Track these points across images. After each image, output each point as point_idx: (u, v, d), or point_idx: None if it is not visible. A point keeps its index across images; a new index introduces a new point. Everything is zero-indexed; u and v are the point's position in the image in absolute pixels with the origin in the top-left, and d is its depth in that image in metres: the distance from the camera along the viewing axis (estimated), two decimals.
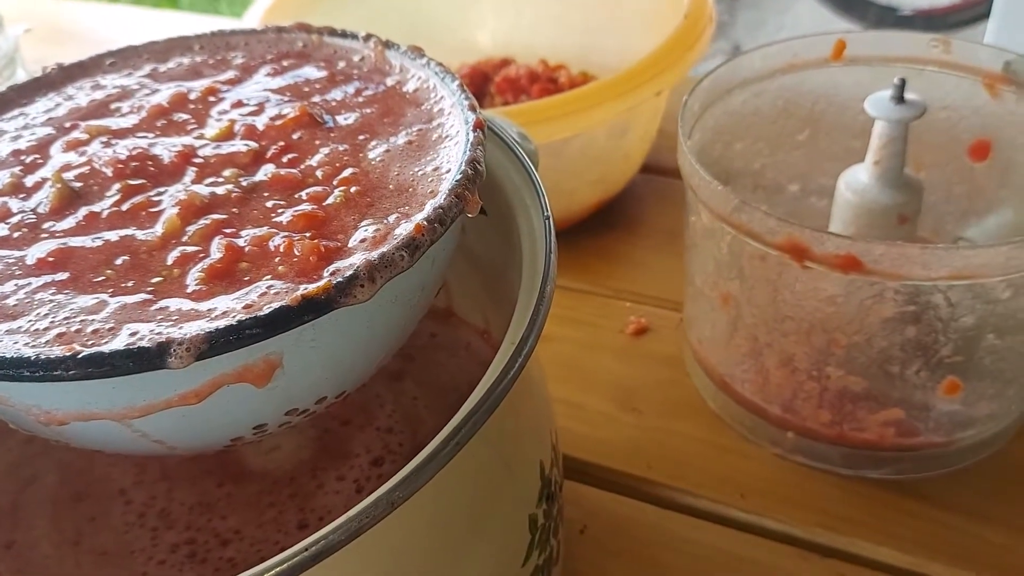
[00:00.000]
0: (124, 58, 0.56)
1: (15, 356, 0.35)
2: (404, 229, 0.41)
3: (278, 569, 0.34)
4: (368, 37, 0.54)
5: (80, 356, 0.35)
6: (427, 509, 0.41)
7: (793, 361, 0.60)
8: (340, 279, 0.38)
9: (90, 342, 0.37)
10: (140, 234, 0.42)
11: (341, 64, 0.55)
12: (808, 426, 0.62)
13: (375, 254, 0.39)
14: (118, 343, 0.36)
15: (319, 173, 0.46)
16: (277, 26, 0.57)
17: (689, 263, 0.68)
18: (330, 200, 0.44)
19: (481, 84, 0.94)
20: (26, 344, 0.37)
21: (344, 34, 0.55)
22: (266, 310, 0.37)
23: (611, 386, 0.73)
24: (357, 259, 0.40)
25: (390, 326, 0.44)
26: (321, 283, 0.37)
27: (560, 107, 0.70)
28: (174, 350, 0.35)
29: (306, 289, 0.38)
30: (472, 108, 0.47)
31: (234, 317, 0.37)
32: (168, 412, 0.38)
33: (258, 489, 0.57)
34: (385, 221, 0.42)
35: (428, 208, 0.42)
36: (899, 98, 0.60)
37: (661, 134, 0.92)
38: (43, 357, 0.35)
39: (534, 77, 0.89)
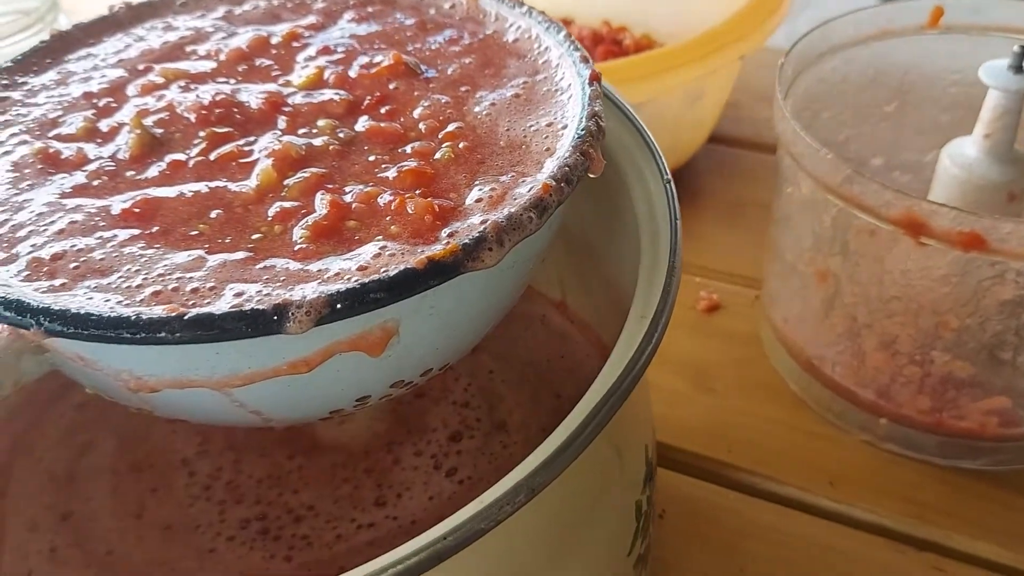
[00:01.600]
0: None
1: (113, 315, 0.32)
2: (526, 188, 0.38)
3: (417, 558, 0.30)
4: None
5: (187, 317, 0.31)
6: (548, 498, 0.37)
7: (895, 344, 0.57)
8: (467, 241, 0.34)
9: (191, 302, 0.33)
10: (233, 186, 0.39)
11: (431, 11, 0.51)
12: (904, 413, 0.59)
13: (502, 215, 0.35)
14: (223, 304, 0.33)
15: (422, 126, 0.42)
16: None
17: (778, 237, 0.64)
18: (437, 156, 0.40)
19: None
20: (119, 302, 0.33)
21: None
22: (389, 272, 0.33)
23: (685, 364, 0.70)
24: (476, 219, 0.36)
25: (503, 294, 0.40)
26: (448, 245, 0.34)
27: (639, 68, 0.66)
28: (292, 313, 0.31)
29: (430, 251, 0.34)
30: (585, 60, 0.43)
31: (352, 279, 0.34)
32: (272, 381, 0.35)
33: (331, 463, 0.53)
34: (500, 180, 0.39)
35: (552, 166, 0.38)
36: (1018, 67, 0.56)
37: (726, 103, 0.88)
38: (145, 318, 0.31)
39: (598, 39, 0.85)
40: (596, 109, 0.40)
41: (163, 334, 0.31)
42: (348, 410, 0.39)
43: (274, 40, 0.48)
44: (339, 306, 0.32)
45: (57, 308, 0.32)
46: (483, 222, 0.36)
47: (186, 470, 0.53)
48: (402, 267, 0.33)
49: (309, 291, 0.33)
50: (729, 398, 0.67)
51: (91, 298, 0.33)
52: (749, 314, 0.74)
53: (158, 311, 0.32)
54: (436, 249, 0.35)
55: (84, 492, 0.53)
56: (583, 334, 0.60)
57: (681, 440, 0.64)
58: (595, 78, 0.42)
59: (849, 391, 0.61)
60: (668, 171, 0.43)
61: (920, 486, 0.60)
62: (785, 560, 0.57)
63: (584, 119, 0.40)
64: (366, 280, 0.33)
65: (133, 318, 0.31)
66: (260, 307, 0.32)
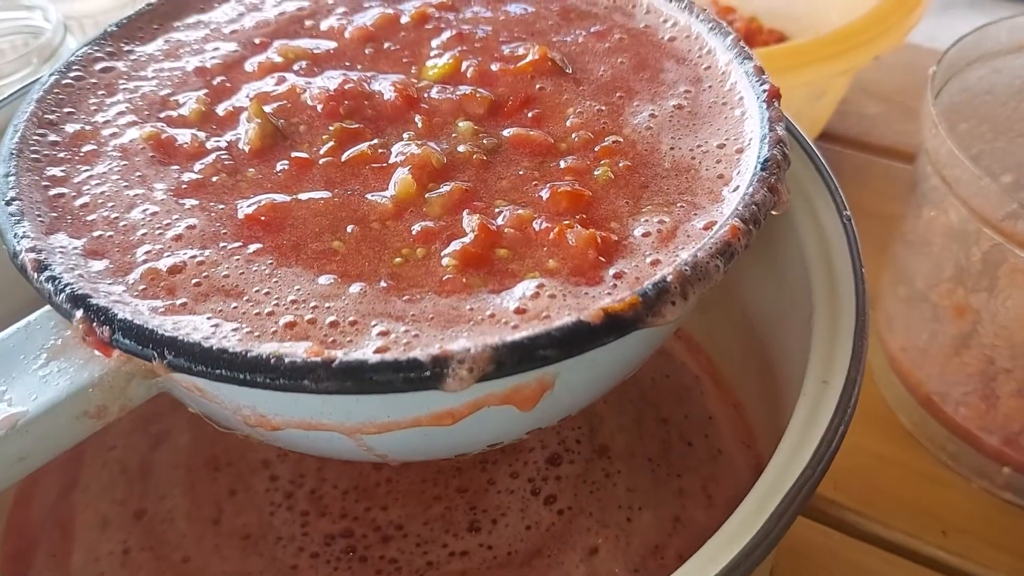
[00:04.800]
0: None
1: (250, 356, 0.28)
2: (700, 224, 0.33)
3: None
4: None
5: (335, 365, 0.27)
6: None
7: None
8: (647, 291, 0.29)
9: (331, 339, 0.29)
10: (369, 196, 0.35)
11: None
12: None
13: (684, 261, 0.31)
14: (368, 345, 0.29)
15: (575, 138, 0.37)
16: None
17: (908, 260, 0.59)
18: (595, 175, 0.36)
19: None
20: (250, 333, 0.29)
21: None
22: (557, 324, 0.29)
23: None
24: (647, 258, 0.32)
25: (661, 339, 0.36)
26: (625, 297, 0.29)
27: (768, 62, 0.61)
28: (453, 369, 0.27)
29: (602, 300, 0.30)
30: (759, 72, 0.38)
31: (511, 324, 0.29)
32: (409, 430, 0.31)
33: (421, 477, 0.50)
34: (669, 210, 0.34)
35: (735, 201, 0.33)
36: None
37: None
38: (288, 362, 0.27)
39: None
40: (780, 134, 0.35)
41: (306, 382, 0.27)
42: (474, 453, 0.36)
43: (403, 20, 0.43)
44: (504, 362, 0.28)
45: (186, 341, 0.28)
46: (654, 262, 0.32)
47: (267, 473, 0.50)
48: (572, 319, 0.29)
49: (471, 342, 0.28)
50: None
51: (217, 325, 0.29)
52: None
53: (300, 352, 0.28)
54: (607, 298, 0.30)
55: (159, 489, 0.49)
56: (691, 353, 0.56)
57: None
58: (774, 95, 0.37)
59: (971, 434, 0.57)
60: (847, 205, 0.38)
61: None
62: None
63: (767, 146, 0.35)
64: (534, 334, 0.28)
65: (274, 362, 0.27)
66: (417, 357, 0.27)
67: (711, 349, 0.55)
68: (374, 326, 0.30)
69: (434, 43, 0.42)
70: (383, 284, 0.31)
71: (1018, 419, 0.54)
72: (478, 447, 0.34)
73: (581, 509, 0.48)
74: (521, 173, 0.36)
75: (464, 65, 0.40)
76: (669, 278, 0.30)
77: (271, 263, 0.32)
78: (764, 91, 0.37)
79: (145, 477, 0.50)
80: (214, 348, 0.28)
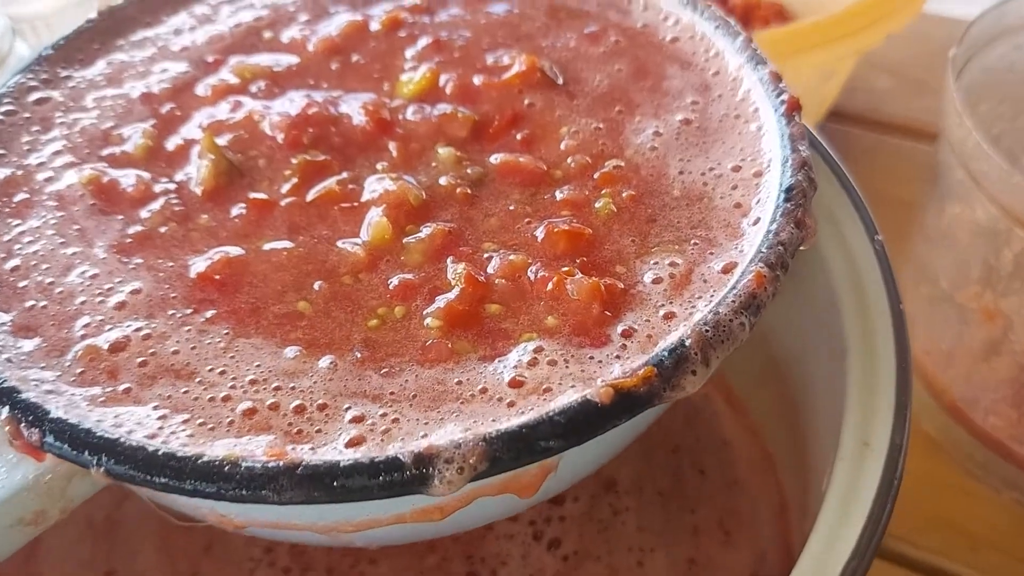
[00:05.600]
0: None
1: (200, 462, 0.23)
2: (718, 265, 0.29)
3: None
4: None
5: (301, 472, 0.23)
6: None
7: None
8: (663, 360, 0.25)
9: (295, 429, 0.25)
10: (338, 244, 0.30)
11: None
12: None
13: (706, 320, 0.26)
14: (338, 435, 0.25)
15: (570, 162, 0.33)
16: None
17: (931, 257, 0.55)
18: (596, 207, 0.31)
19: None
20: (203, 425, 0.25)
21: None
22: (560, 404, 0.25)
23: None
24: (659, 311, 0.28)
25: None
26: (639, 369, 0.25)
27: (778, 45, 0.57)
28: (439, 470, 0.23)
29: (616, 374, 0.26)
30: (776, 78, 0.34)
31: (506, 402, 0.25)
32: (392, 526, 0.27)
33: None
34: (681, 249, 0.30)
35: (757, 240, 0.29)
36: None
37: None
38: (244, 468, 0.23)
39: None
40: (804, 155, 0.31)
41: (267, 492, 0.23)
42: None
43: (372, 27, 0.39)
44: (500, 457, 0.24)
45: (128, 444, 0.24)
46: (668, 315, 0.28)
47: None
48: (577, 399, 0.25)
49: (460, 433, 0.24)
50: None
51: (165, 417, 0.25)
52: None
53: (259, 454, 0.24)
54: (615, 363, 0.26)
55: (128, 544, 0.45)
56: (708, 382, 0.52)
57: None
58: (794, 107, 0.33)
59: (1001, 444, 0.53)
60: (878, 228, 0.34)
61: None
62: None
63: (791, 170, 0.30)
64: (534, 421, 0.24)
65: (228, 469, 0.23)
66: (397, 457, 0.23)
67: (722, 366, 0.51)
68: (347, 410, 0.26)
69: (408, 53, 0.37)
70: (357, 355, 0.27)
71: None
72: (472, 527, 0.30)
73: (588, 553, 0.44)
74: (512, 208, 0.31)
75: (443, 79, 0.36)
76: (688, 342, 0.26)
77: (227, 333, 0.28)
78: (783, 103, 0.33)
79: (113, 533, 0.46)
80: (160, 454, 0.23)
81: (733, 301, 0.27)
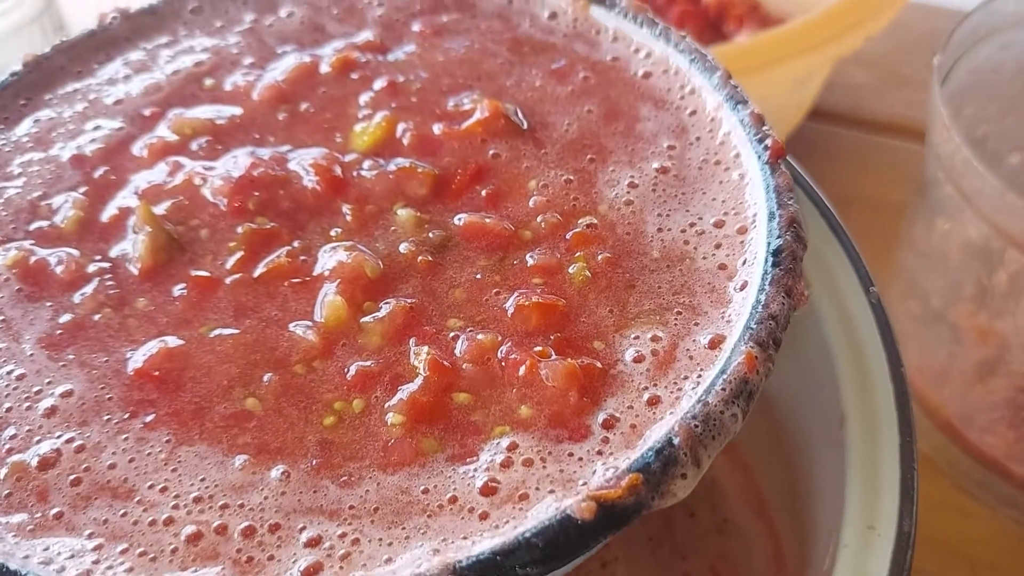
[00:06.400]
0: (212, 2, 0.39)
1: None
2: (704, 339, 0.27)
3: None
4: None
5: None
6: None
7: None
8: (650, 463, 0.23)
9: (245, 556, 0.23)
10: (290, 328, 0.28)
11: (524, 23, 0.38)
12: None
13: (694, 413, 0.24)
14: (292, 562, 0.22)
15: (540, 222, 0.30)
16: None
17: (921, 274, 0.53)
18: (570, 273, 0.29)
19: None
20: (144, 555, 0.23)
21: None
22: (537, 522, 0.22)
23: None
24: (642, 395, 0.25)
25: None
26: (623, 478, 0.23)
27: (752, 57, 0.54)
28: None
29: (599, 482, 0.23)
30: (758, 122, 0.31)
31: (483, 519, 0.23)
32: None
33: None
34: (663, 321, 0.27)
35: (748, 316, 0.26)
36: None
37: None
38: None
39: None
40: (792, 211, 0.28)
41: None
42: None
43: (322, 69, 0.36)
44: None
45: None
46: (652, 400, 0.25)
47: None
48: (556, 515, 0.22)
49: (426, 557, 0.22)
50: None
51: (100, 547, 0.23)
52: None
53: None
54: (596, 461, 0.24)
55: None
56: None
57: None
58: (778, 154, 0.30)
59: (998, 463, 0.51)
60: (874, 283, 0.32)
61: None
62: None
63: (778, 228, 0.28)
64: (508, 545, 0.22)
65: None
66: None
67: None
68: (301, 530, 0.23)
69: (362, 99, 0.35)
70: (312, 461, 0.25)
71: None
72: None
73: None
74: (479, 277, 0.29)
75: (399, 128, 0.33)
76: (676, 440, 0.23)
77: (168, 441, 0.25)
78: (766, 149, 0.30)
79: None
80: None
81: (723, 388, 0.24)
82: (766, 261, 0.27)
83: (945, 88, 0.52)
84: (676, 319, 0.27)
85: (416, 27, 0.38)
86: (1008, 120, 0.61)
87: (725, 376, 0.25)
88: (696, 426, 0.24)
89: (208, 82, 0.36)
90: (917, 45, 0.78)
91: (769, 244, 0.28)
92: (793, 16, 0.74)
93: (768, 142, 0.30)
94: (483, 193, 0.31)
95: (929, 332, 0.53)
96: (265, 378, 0.26)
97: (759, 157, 0.30)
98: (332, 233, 0.30)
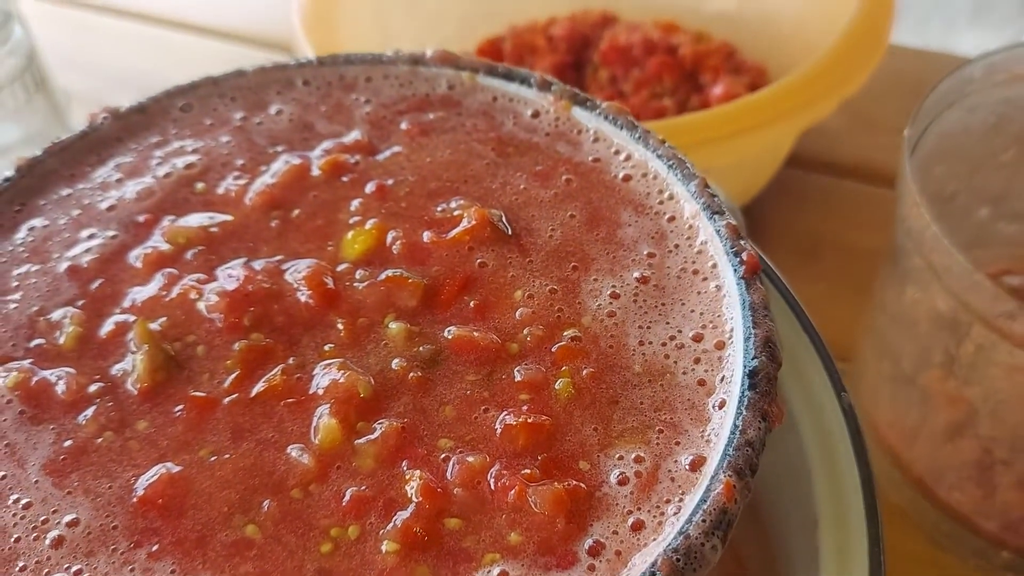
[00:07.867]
0: (201, 99, 0.40)
1: None
2: (686, 460, 0.28)
3: None
4: (545, 83, 0.39)
5: None
6: None
7: None
8: None
9: None
10: (287, 450, 0.29)
11: (508, 122, 0.39)
12: None
13: (675, 547, 0.25)
14: None
15: (526, 334, 0.32)
16: (409, 55, 0.41)
17: (892, 337, 0.55)
18: (556, 388, 0.30)
19: (580, 49, 0.78)
20: None
21: (508, 75, 0.40)
22: None
23: None
24: (626, 520, 0.27)
25: None
26: None
27: (728, 124, 0.56)
28: None
29: None
30: (734, 235, 0.33)
31: None
32: None
33: None
34: (647, 440, 0.29)
35: (726, 443, 0.28)
36: None
37: None
38: None
39: (650, 47, 0.73)
40: (767, 330, 0.30)
41: None
42: None
43: (313, 172, 0.37)
44: None
45: None
46: (636, 524, 0.27)
47: None
48: None
49: None
50: None
51: None
52: None
53: None
54: None
55: None
56: None
57: None
58: (753, 269, 0.32)
59: (967, 519, 0.53)
60: (842, 382, 0.33)
61: None
62: None
63: (753, 348, 0.29)
64: None
65: None
66: None
67: None
68: None
69: (352, 205, 0.36)
70: None
71: (1018, 509, 0.51)
72: None
73: None
74: (468, 393, 0.30)
75: (389, 237, 0.34)
76: (659, 575, 0.25)
77: (173, 571, 0.26)
78: (741, 263, 0.32)
79: None
80: None
81: (703, 520, 0.26)
82: (743, 383, 0.29)
83: (915, 156, 0.54)
84: (658, 438, 0.29)
85: (404, 125, 0.39)
86: (976, 177, 0.63)
87: (705, 507, 0.26)
88: (678, 559, 0.25)
89: (199, 186, 0.37)
90: (888, 87, 0.79)
91: (745, 365, 0.29)
92: (768, 63, 0.76)
93: (744, 255, 0.32)
94: (471, 304, 0.32)
95: (900, 393, 0.55)
96: (264, 504, 0.28)
97: (735, 271, 0.32)
98: (326, 348, 0.31)
